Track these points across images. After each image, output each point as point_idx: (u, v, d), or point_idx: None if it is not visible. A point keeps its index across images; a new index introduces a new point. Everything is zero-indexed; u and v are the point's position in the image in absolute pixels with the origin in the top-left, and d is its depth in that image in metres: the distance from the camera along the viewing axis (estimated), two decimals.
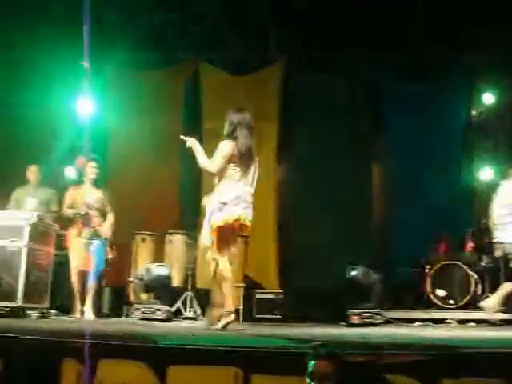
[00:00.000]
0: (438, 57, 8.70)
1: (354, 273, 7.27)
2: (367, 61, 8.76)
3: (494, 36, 8.16)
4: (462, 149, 9.16)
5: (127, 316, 7.35)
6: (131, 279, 7.61)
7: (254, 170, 5.29)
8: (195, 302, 7.55)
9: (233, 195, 5.11)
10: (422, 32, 8.42)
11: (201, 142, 9.01)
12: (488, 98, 9.02)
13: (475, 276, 7.81)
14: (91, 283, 6.78)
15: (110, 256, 7.07)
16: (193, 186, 9.11)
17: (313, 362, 2.85)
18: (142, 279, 7.12)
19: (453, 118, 9.08)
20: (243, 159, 5.20)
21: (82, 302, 6.79)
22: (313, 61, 9.17)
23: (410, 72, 8.97)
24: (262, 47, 9.17)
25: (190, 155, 9.03)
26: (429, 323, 7.20)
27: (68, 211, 6.99)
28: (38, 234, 6.68)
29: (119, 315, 7.58)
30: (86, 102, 8.31)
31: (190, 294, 7.56)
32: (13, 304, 6.32)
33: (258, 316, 7.90)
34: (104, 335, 3.99)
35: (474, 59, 8.66)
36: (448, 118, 8.95)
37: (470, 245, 8.18)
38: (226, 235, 5.15)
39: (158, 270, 7.19)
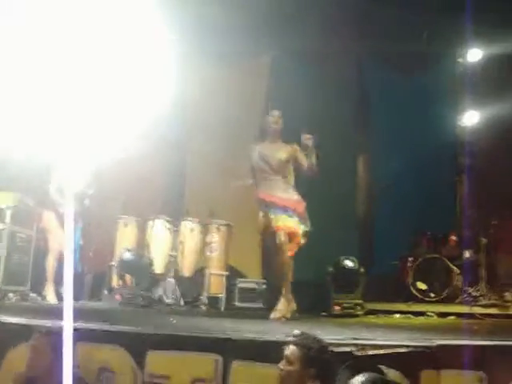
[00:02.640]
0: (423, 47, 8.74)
1: (338, 264, 7.29)
2: (354, 53, 8.76)
3: None
4: (446, 142, 9.17)
5: (108, 301, 7.30)
6: (112, 264, 7.56)
7: None
8: (177, 289, 7.50)
9: None
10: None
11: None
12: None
13: (456, 269, 7.85)
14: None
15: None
16: (177, 172, 9.12)
17: (291, 346, 3.00)
18: (121, 264, 7.09)
19: (439, 111, 9.09)
20: None
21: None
22: (301, 52, 9.15)
23: (396, 62, 8.99)
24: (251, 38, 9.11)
25: (179, 140, 9.17)
26: (409, 315, 7.23)
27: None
28: (20, 216, 6.61)
29: (100, 300, 7.53)
30: None
31: (171, 280, 7.51)
32: None
33: (239, 304, 7.88)
34: (83, 319, 3.95)
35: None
36: (434, 111, 8.95)
37: (452, 238, 8.21)
38: None
39: (139, 256, 7.17)
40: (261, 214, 6.12)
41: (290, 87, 9.04)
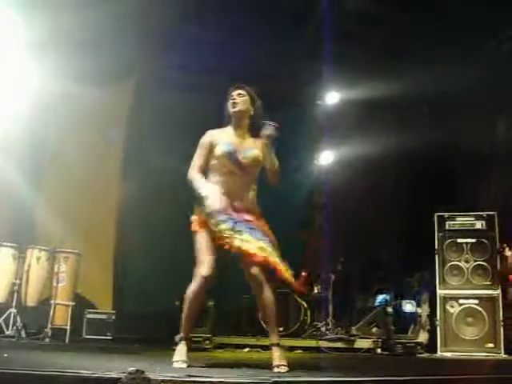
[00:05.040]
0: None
1: None
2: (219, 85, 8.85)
3: None
4: (302, 180, 9.45)
5: None
6: None
7: None
8: (19, 320, 7.10)
9: None
10: None
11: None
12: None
13: (305, 304, 8.05)
14: None
15: None
16: (28, 197, 8.73)
17: None
18: None
19: (295, 150, 9.36)
20: None
21: None
22: (170, 79, 9.14)
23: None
24: (116, 60, 8.98)
25: (32, 164, 8.78)
26: (258, 349, 7.29)
27: None
28: None
29: None
30: None
31: (13, 310, 7.09)
32: None
33: (87, 336, 7.63)
34: None
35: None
36: (290, 150, 9.20)
37: (302, 274, 8.42)
38: None
39: None
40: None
41: (152, 113, 8.99)
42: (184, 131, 8.79)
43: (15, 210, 8.64)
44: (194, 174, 4.30)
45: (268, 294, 4.17)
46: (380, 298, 8.26)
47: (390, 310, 7.59)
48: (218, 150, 4.28)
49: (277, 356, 4.15)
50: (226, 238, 4.09)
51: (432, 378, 3.90)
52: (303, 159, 9.46)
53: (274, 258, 4.15)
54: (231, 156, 4.26)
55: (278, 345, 4.22)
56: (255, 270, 4.14)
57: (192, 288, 4.22)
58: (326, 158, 9.61)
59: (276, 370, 4.02)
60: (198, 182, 4.23)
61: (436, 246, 7.33)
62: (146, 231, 8.63)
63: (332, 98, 9.58)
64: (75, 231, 7.99)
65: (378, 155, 8.64)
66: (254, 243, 4.10)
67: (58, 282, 7.38)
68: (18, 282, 7.25)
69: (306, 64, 8.75)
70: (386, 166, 9.03)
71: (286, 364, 4.07)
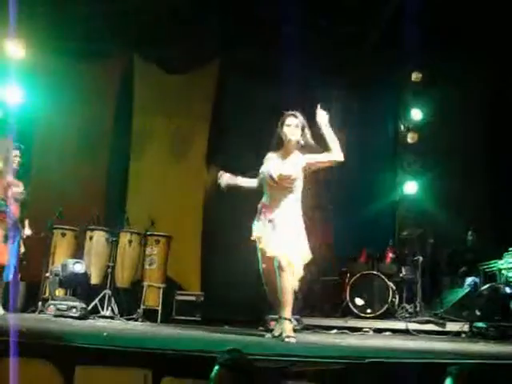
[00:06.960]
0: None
1: None
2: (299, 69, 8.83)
3: None
4: (387, 162, 9.33)
5: (41, 312, 7.12)
6: (47, 274, 7.39)
7: None
8: (113, 301, 7.38)
9: None
10: None
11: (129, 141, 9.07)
12: (415, 114, 9.31)
13: (393, 286, 7.97)
14: (5, 277, 6.56)
15: (22, 250, 6.88)
16: (119, 183, 9.02)
17: (217, 367, 2.80)
18: (57, 275, 6.95)
19: (380, 132, 9.24)
20: None
21: None
22: (246, 63, 9.17)
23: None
24: (197, 46, 9.09)
25: (120, 153, 9.08)
26: (346, 331, 7.28)
27: None
28: None
29: (33, 311, 7.33)
30: (14, 90, 8.31)
31: (108, 292, 7.38)
32: None
33: (177, 317, 7.80)
34: (9, 332, 3.82)
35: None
36: (375, 132, 9.10)
37: (389, 256, 8.34)
38: None
39: (75, 267, 7.03)
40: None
41: (235, 100, 9.03)
42: (265, 120, 8.88)
43: (107, 195, 8.97)
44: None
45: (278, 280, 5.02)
46: (469, 280, 8.07)
47: (481, 292, 7.40)
48: (263, 169, 5.36)
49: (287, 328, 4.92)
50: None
51: None
52: (388, 143, 9.35)
53: (286, 252, 5.04)
54: (268, 175, 5.28)
55: (286, 319, 4.98)
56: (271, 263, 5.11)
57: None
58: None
59: (286, 340, 4.76)
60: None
61: None
62: (234, 214, 8.71)
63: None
64: (164, 215, 8.20)
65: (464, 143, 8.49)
66: (272, 242, 5.12)
67: (149, 265, 7.60)
68: (111, 264, 7.52)
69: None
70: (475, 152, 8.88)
71: (294, 336, 4.87)
